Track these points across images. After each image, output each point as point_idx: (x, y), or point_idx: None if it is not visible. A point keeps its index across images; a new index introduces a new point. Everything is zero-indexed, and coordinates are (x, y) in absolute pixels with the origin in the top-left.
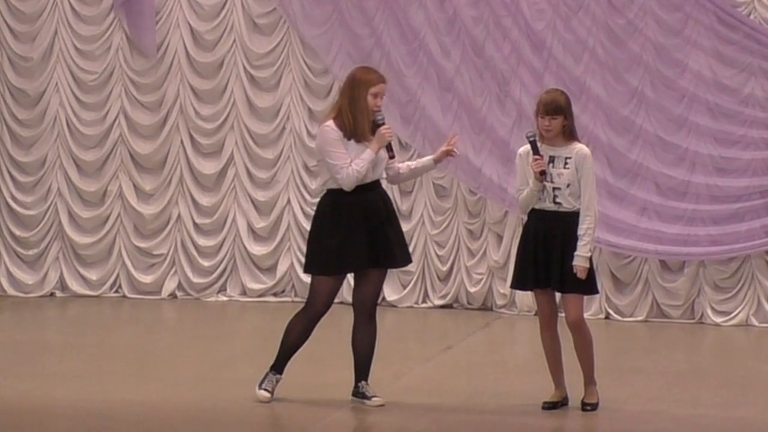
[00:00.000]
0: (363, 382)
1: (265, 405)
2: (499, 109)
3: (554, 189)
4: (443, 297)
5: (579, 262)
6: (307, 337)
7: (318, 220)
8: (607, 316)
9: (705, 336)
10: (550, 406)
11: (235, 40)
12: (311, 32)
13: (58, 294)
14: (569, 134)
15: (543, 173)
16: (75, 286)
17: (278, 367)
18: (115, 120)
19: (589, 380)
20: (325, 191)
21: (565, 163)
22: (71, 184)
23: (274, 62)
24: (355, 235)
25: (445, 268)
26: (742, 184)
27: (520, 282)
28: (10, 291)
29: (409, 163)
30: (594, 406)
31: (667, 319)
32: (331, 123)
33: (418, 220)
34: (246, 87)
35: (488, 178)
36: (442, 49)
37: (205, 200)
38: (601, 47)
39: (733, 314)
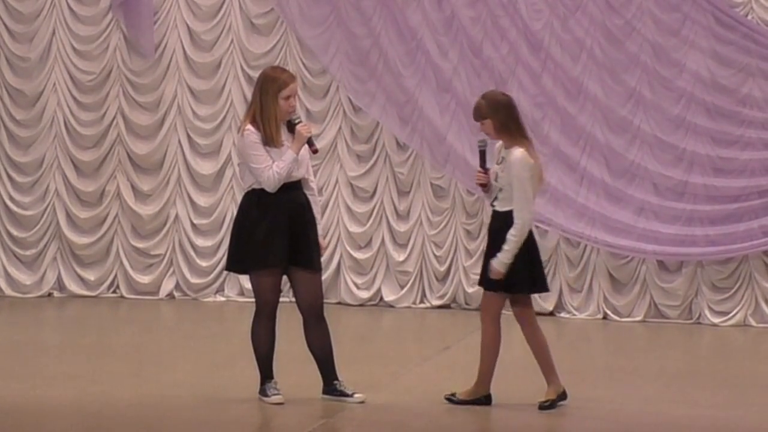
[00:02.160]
0: (337, 381)
1: (264, 405)
2: None
3: (499, 190)
4: (441, 297)
5: (495, 264)
6: (274, 337)
7: (242, 217)
8: (605, 317)
9: (703, 336)
10: (548, 404)
11: (232, 41)
12: (309, 32)
13: (56, 294)
14: (508, 134)
15: (484, 186)
16: (73, 287)
17: (267, 375)
18: (112, 120)
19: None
20: (249, 190)
21: (504, 166)
22: (69, 185)
23: (272, 62)
24: (279, 231)
25: (442, 269)
26: (739, 184)
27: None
28: (8, 291)
29: (316, 202)
30: (458, 401)
31: (665, 320)
32: (250, 127)
33: (416, 220)
34: (244, 87)
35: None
36: (439, 50)
37: (202, 200)
38: (599, 47)
39: (730, 314)
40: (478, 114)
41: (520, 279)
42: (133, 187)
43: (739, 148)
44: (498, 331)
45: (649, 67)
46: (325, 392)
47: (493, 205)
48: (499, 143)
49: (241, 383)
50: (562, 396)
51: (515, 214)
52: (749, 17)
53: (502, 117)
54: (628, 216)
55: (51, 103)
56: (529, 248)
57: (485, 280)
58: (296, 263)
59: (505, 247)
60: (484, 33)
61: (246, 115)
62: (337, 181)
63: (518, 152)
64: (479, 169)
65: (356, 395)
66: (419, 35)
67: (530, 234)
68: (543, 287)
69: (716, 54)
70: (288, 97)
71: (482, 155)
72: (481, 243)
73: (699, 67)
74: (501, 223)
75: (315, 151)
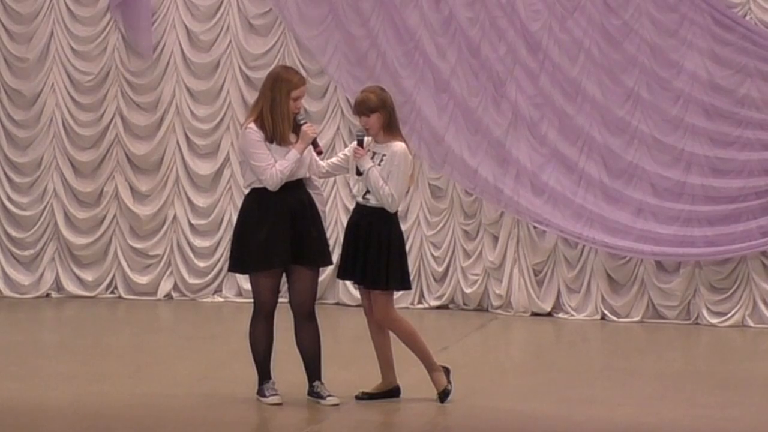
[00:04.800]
0: (317, 382)
1: (262, 406)
2: (495, 110)
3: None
4: (439, 298)
5: (365, 165)
6: (271, 338)
7: (243, 217)
8: (603, 317)
9: (701, 337)
10: (368, 396)
11: (230, 41)
12: (307, 33)
13: (54, 295)
14: (389, 129)
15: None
16: (71, 287)
17: (264, 376)
18: (111, 121)
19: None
20: (250, 190)
21: (381, 161)
22: (67, 185)
23: (270, 63)
24: (280, 231)
25: (440, 269)
26: (737, 184)
27: (339, 272)
28: (6, 292)
29: (330, 160)
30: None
31: (663, 320)
32: (252, 125)
33: (413, 220)
34: (242, 88)
35: (484, 179)
36: (437, 50)
37: (201, 201)
38: (597, 48)
39: (728, 315)
40: (367, 107)
41: (396, 275)
42: (132, 188)
43: (737, 148)
44: (402, 318)
45: (647, 68)
46: (307, 392)
47: (366, 199)
48: (368, 139)
49: (239, 384)
50: (391, 393)
51: (392, 190)
52: (747, 18)
53: (388, 113)
54: (626, 216)
55: (49, 104)
56: (392, 245)
57: (376, 282)
58: (297, 261)
59: (376, 178)
60: (482, 33)
61: (251, 112)
62: (335, 182)
63: (401, 145)
64: (357, 147)
65: (329, 398)
66: (417, 36)
67: (399, 231)
68: (397, 286)
69: (714, 54)
70: (297, 98)
71: (360, 144)
72: (480, 243)
73: (697, 68)
74: (375, 216)
75: (319, 153)
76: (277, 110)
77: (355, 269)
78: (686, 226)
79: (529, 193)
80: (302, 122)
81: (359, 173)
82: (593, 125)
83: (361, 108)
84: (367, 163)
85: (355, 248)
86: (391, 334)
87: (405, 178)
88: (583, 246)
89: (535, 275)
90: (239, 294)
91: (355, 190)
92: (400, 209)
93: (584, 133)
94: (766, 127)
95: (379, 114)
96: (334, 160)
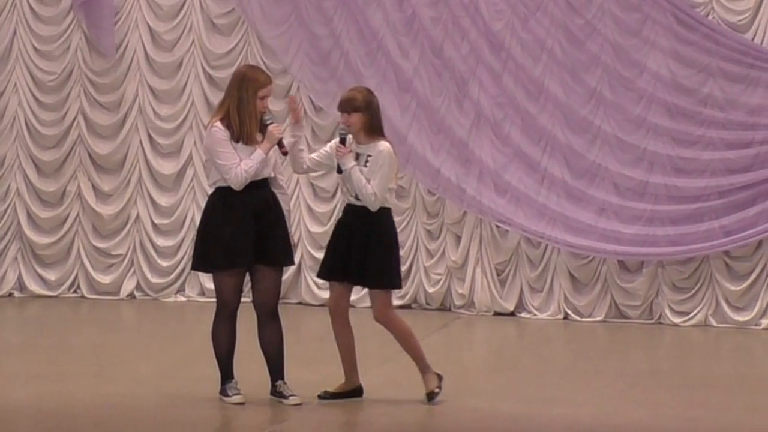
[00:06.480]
0: (280, 381)
1: (225, 405)
2: (458, 110)
3: None
4: (402, 297)
5: (347, 163)
6: (234, 337)
7: (207, 216)
8: (566, 317)
9: (663, 336)
10: (331, 395)
11: (193, 41)
12: (270, 32)
13: (17, 294)
14: (370, 131)
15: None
16: (33, 287)
17: (227, 375)
18: (73, 120)
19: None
20: (214, 188)
21: (366, 161)
22: (30, 185)
23: (233, 63)
24: (244, 230)
25: (403, 269)
26: (700, 184)
27: (325, 272)
28: None
29: (311, 155)
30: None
31: (626, 320)
32: (218, 123)
33: None
34: (204, 87)
35: (447, 179)
36: (400, 50)
37: (163, 200)
38: (560, 48)
39: (691, 315)
40: (351, 106)
41: (394, 272)
42: (94, 187)
43: (699, 148)
44: (400, 318)
45: (609, 68)
46: (270, 392)
47: (359, 199)
48: (350, 137)
49: (201, 383)
50: (354, 392)
51: (375, 189)
52: (710, 17)
53: (371, 115)
54: (588, 216)
55: (12, 103)
56: (391, 244)
57: (379, 281)
58: (261, 260)
59: (358, 178)
60: (444, 33)
61: (217, 111)
62: (298, 182)
63: (386, 145)
64: (339, 146)
65: (292, 398)
66: (380, 35)
67: (393, 232)
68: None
69: (677, 54)
70: (264, 97)
71: (343, 142)
72: (442, 243)
73: (660, 68)
74: (367, 216)
75: (285, 153)
76: (244, 110)
77: (347, 269)
78: (649, 225)
79: (492, 193)
80: (268, 122)
81: (340, 171)
82: (556, 125)
83: (345, 105)
84: (349, 162)
85: (348, 248)
86: (355, 335)
87: (388, 178)
88: (546, 245)
89: (498, 275)
90: (202, 293)
91: (344, 190)
92: None
93: (547, 133)
94: (729, 127)
95: (361, 114)
96: (315, 156)
